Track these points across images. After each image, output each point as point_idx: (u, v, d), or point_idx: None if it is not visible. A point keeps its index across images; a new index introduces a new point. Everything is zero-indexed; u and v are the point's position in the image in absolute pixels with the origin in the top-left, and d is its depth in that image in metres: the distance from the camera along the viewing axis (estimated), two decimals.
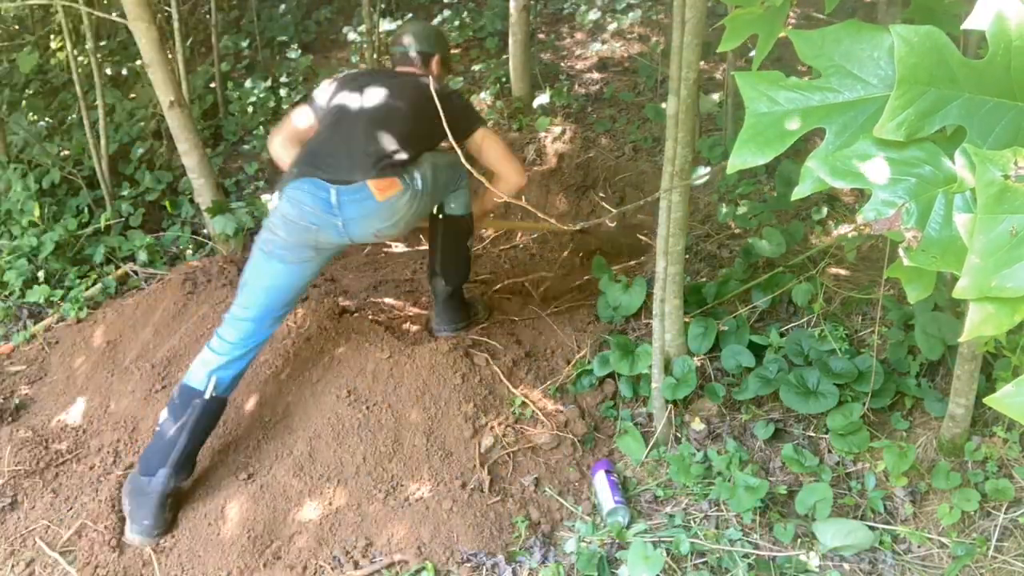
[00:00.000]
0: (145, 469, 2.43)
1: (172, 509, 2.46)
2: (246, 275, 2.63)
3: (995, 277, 0.61)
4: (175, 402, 2.49)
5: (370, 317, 3.27)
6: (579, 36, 5.66)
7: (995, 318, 0.62)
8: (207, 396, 2.47)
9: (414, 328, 3.27)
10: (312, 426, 2.66)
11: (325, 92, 2.85)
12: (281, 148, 2.92)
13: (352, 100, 2.72)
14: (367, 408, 2.68)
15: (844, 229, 3.18)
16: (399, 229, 2.71)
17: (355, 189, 2.52)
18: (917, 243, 0.72)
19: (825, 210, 3.36)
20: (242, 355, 2.55)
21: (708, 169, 3.62)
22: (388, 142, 2.63)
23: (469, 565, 2.28)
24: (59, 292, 3.77)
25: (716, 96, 4.43)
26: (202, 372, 2.49)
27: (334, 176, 2.54)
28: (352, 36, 6.01)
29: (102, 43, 5.34)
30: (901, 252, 0.74)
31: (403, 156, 2.63)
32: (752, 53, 1.28)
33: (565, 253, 4.12)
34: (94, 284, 3.85)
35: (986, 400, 0.66)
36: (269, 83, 5.41)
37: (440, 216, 3.04)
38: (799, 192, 0.83)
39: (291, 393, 2.81)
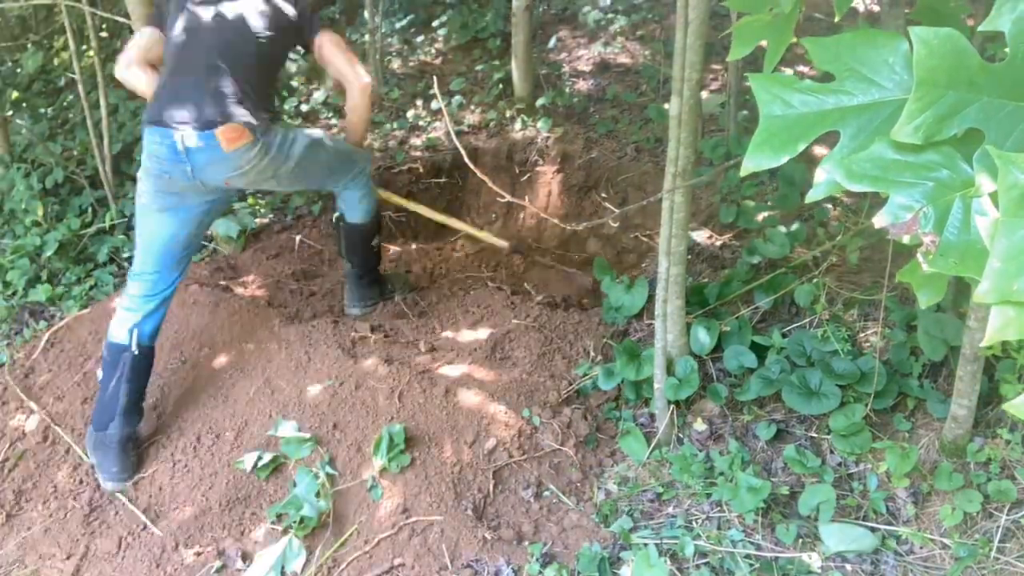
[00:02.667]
0: (99, 424, 2.59)
1: (133, 451, 2.63)
2: (136, 230, 2.74)
3: (1017, 281, 0.61)
4: (107, 360, 2.63)
5: (369, 321, 3.28)
6: (582, 37, 5.66)
7: (1017, 322, 0.62)
8: (133, 350, 2.60)
9: (414, 332, 3.28)
10: (309, 429, 2.66)
11: (169, 4, 2.71)
12: (127, 72, 2.72)
13: (195, 19, 2.60)
14: (367, 413, 2.68)
15: (846, 230, 3.18)
16: (251, 179, 2.66)
17: (201, 137, 2.48)
18: (935, 248, 0.72)
19: (828, 210, 3.37)
20: (155, 308, 2.66)
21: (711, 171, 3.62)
22: (236, 76, 2.55)
23: (471, 570, 2.28)
24: (60, 291, 3.78)
25: (719, 96, 4.43)
26: (122, 329, 2.62)
27: (180, 120, 2.50)
28: (355, 36, 6.00)
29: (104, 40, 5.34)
30: (920, 257, 0.74)
31: (252, 94, 2.58)
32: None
33: (566, 255, 4.13)
34: (95, 285, 3.85)
35: (1005, 406, 0.66)
36: None
37: (340, 223, 3.18)
38: (814, 195, 0.84)
39: (286, 390, 2.80)
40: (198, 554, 2.39)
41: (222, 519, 2.48)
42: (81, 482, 2.66)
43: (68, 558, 2.44)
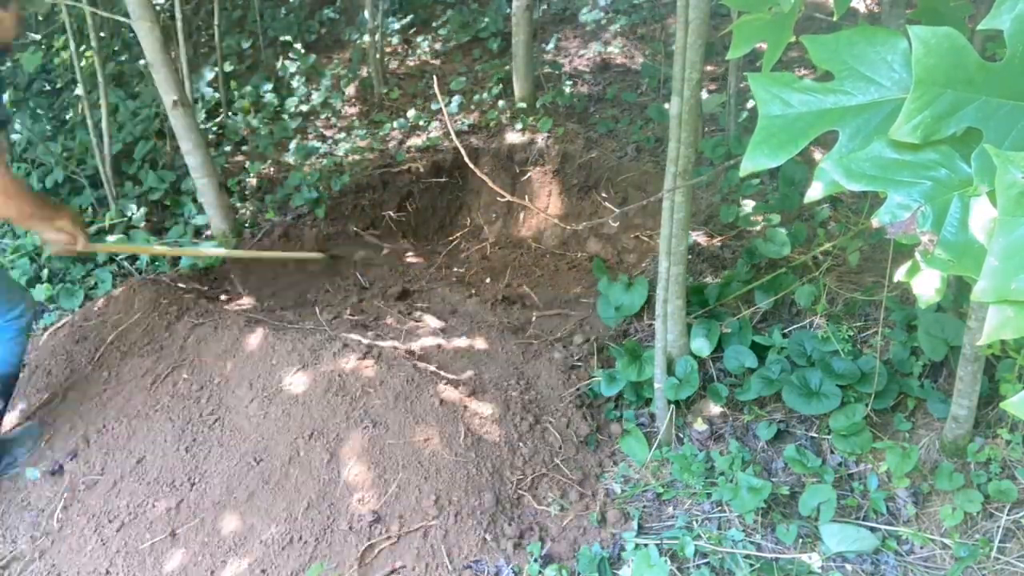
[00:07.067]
0: None
1: None
2: None
3: (1015, 279, 0.61)
4: None
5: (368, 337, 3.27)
6: (581, 37, 5.66)
7: (1015, 321, 0.61)
8: None
9: (409, 334, 3.28)
10: (311, 431, 2.66)
11: None
12: None
13: None
14: (372, 425, 2.67)
15: (847, 231, 3.18)
16: None
17: None
18: (933, 247, 0.72)
19: (828, 211, 3.37)
20: None
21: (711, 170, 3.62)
22: None
23: (471, 570, 2.28)
24: (60, 290, 3.78)
25: (719, 96, 4.43)
26: None
27: None
28: (355, 37, 6.01)
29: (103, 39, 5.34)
30: (918, 256, 0.74)
31: None
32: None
33: (567, 255, 4.13)
34: (95, 285, 3.86)
35: (1003, 405, 0.66)
36: (272, 83, 5.42)
37: None
38: (813, 195, 0.83)
39: (294, 405, 2.81)
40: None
41: None
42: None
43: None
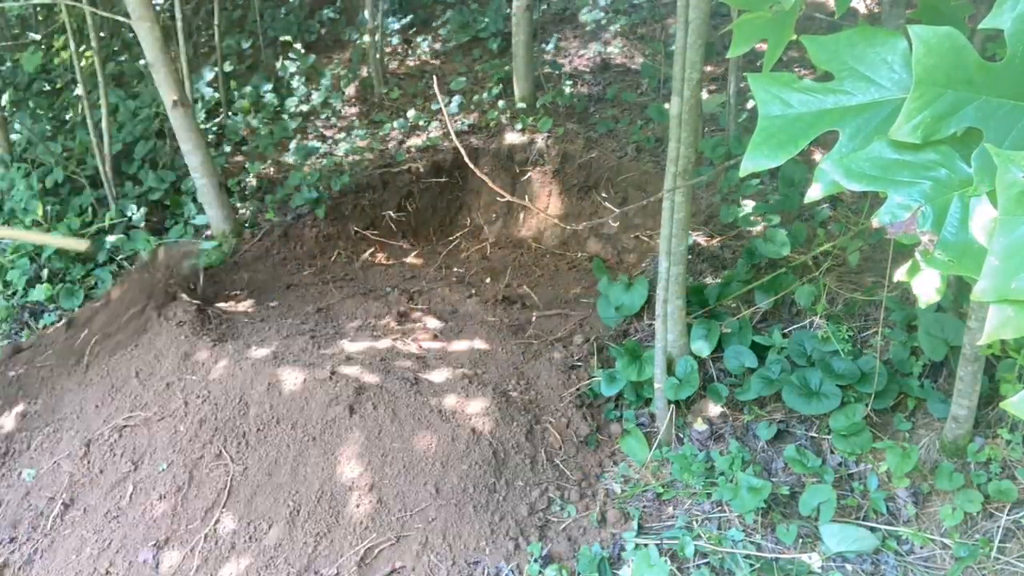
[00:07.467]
0: None
1: None
2: None
3: (1015, 279, 0.61)
4: None
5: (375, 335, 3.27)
6: (581, 37, 5.66)
7: (1015, 321, 0.61)
8: None
9: (408, 335, 3.28)
10: (311, 432, 2.66)
11: None
12: None
13: None
14: (372, 425, 2.67)
15: (847, 231, 3.17)
16: None
17: None
18: (933, 247, 0.72)
19: (828, 211, 3.37)
20: None
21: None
22: None
23: (471, 570, 2.28)
24: (60, 290, 3.78)
25: (719, 96, 4.43)
26: None
27: None
28: (355, 36, 6.00)
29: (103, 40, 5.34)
30: (918, 256, 0.74)
31: None
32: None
33: (567, 255, 4.13)
34: (95, 285, 3.86)
35: (1003, 405, 0.66)
36: (272, 83, 5.42)
37: None
38: (813, 195, 0.83)
39: (295, 407, 2.80)
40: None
41: None
42: None
43: None
